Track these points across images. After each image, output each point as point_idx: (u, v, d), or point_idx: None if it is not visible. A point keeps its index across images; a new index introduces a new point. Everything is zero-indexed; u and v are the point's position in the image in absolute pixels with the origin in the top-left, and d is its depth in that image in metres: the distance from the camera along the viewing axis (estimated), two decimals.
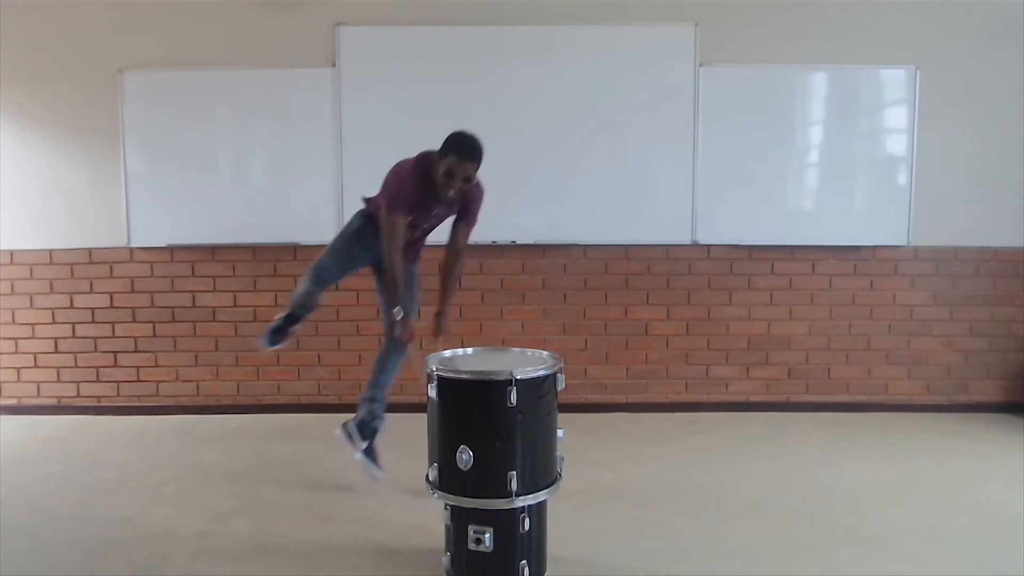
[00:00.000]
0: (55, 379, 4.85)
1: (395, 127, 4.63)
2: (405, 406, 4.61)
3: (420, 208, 3.28)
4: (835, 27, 4.62)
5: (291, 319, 3.54)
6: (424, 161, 3.21)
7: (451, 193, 3.18)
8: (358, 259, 3.46)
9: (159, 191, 4.70)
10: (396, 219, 3.18)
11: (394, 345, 3.44)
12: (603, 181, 4.66)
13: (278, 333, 3.54)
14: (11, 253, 4.79)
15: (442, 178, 3.13)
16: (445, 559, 2.58)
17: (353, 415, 3.53)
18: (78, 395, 4.85)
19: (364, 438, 3.49)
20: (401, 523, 3.09)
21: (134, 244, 4.73)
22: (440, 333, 3.42)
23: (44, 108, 4.69)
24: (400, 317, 3.22)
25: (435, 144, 4.67)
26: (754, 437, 4.30)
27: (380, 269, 3.39)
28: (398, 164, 3.29)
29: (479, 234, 4.67)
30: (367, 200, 3.44)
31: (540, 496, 2.48)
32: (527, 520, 2.45)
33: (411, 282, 3.47)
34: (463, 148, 3.14)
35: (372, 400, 3.50)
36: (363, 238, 3.39)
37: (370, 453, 3.49)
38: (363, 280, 3.67)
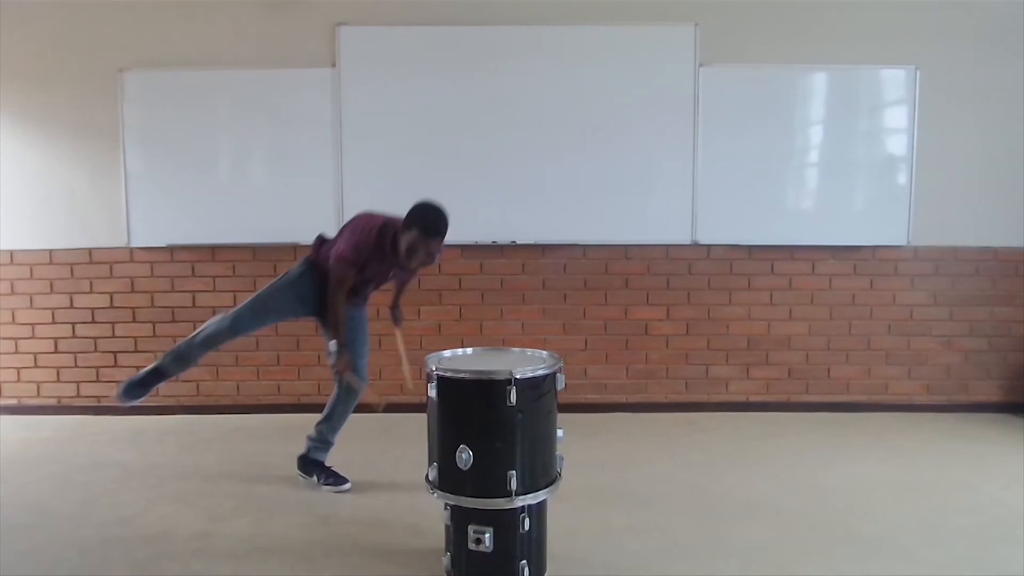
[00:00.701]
0: (55, 379, 4.85)
1: (395, 127, 4.64)
2: (405, 406, 4.62)
3: (375, 269, 3.27)
4: (835, 27, 4.62)
5: (159, 374, 3.35)
6: (388, 230, 3.16)
7: (412, 265, 3.18)
8: (286, 311, 3.41)
9: (159, 191, 4.70)
10: (346, 275, 3.18)
11: (344, 394, 3.45)
12: (603, 181, 4.66)
13: (141, 387, 3.34)
14: (11, 253, 4.79)
15: (404, 251, 3.11)
16: (445, 559, 2.58)
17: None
18: (78, 395, 4.85)
19: (312, 472, 3.50)
20: (401, 523, 3.09)
21: (134, 244, 4.74)
22: (397, 323, 3.54)
23: (44, 108, 4.69)
24: (336, 349, 3.21)
25: (435, 142, 4.69)
26: (754, 437, 4.30)
27: (322, 316, 3.34)
28: (363, 221, 3.24)
29: (479, 234, 4.72)
30: (321, 242, 3.38)
31: (540, 496, 2.48)
32: (527, 520, 2.45)
33: (359, 326, 3.43)
34: (428, 226, 3.08)
35: (313, 439, 3.52)
36: (298, 289, 3.32)
37: (328, 476, 3.48)
38: None
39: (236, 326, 3.31)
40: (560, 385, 2.54)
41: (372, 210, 3.33)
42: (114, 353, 4.83)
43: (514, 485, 2.39)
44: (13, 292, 4.81)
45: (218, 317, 3.36)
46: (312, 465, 3.51)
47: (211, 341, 3.33)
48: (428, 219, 3.08)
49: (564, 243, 4.75)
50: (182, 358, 3.36)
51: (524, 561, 2.46)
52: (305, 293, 3.32)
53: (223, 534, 3.02)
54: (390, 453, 3.95)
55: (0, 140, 4.72)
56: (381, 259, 3.21)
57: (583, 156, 4.65)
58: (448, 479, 2.46)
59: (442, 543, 2.61)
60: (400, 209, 3.08)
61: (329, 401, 3.51)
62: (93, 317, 4.82)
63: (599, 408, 4.77)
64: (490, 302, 4.81)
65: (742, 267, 4.79)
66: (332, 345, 3.22)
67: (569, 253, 4.79)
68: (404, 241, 3.10)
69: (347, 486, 3.44)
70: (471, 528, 2.45)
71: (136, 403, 3.36)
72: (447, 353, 2.73)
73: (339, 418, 3.49)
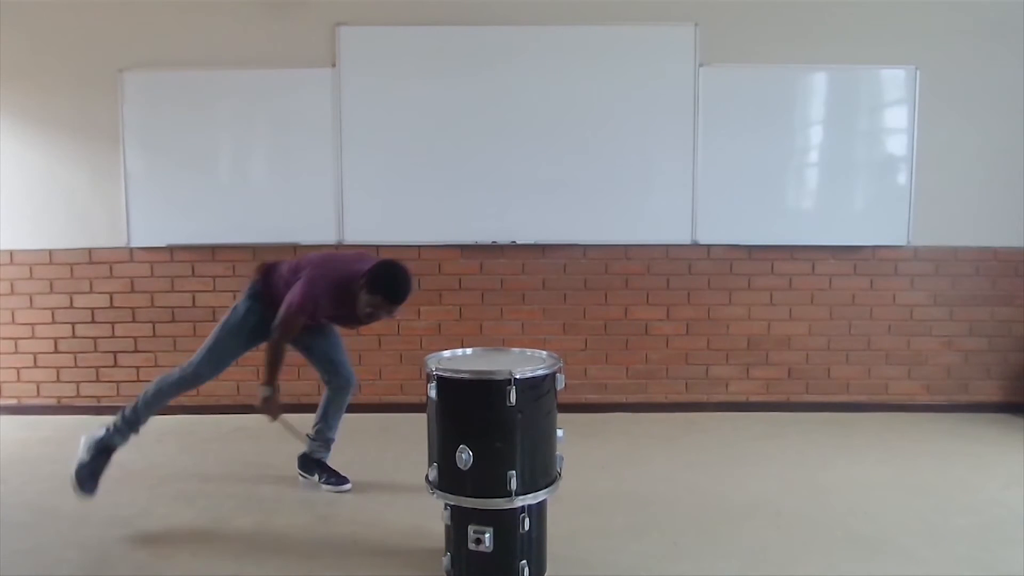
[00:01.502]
0: (55, 379, 4.85)
1: (395, 127, 4.64)
2: (405, 406, 4.62)
3: (328, 318, 3.26)
4: (835, 27, 4.62)
5: (107, 450, 3.16)
6: (347, 286, 3.07)
7: (368, 323, 3.18)
8: (242, 349, 3.28)
9: (159, 191, 4.70)
10: (296, 325, 3.12)
11: (335, 391, 3.45)
12: (603, 181, 4.66)
13: (93, 475, 3.12)
14: (11, 253, 4.79)
15: (364, 308, 3.06)
16: (445, 559, 2.58)
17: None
18: (78, 395, 4.85)
19: (313, 471, 3.49)
20: (401, 523, 3.09)
21: (134, 244, 4.73)
22: None
23: (44, 108, 4.69)
24: (265, 394, 3.16)
25: (434, 142, 4.68)
26: (754, 437, 4.30)
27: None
28: (322, 270, 3.13)
29: (479, 234, 4.72)
30: (268, 269, 3.29)
31: (540, 496, 2.48)
32: (527, 520, 2.45)
33: (326, 328, 3.40)
34: (394, 293, 3.02)
35: (312, 439, 3.50)
36: (248, 324, 3.22)
37: (329, 476, 3.47)
38: None
39: (198, 376, 3.23)
40: (560, 385, 2.54)
41: (333, 255, 3.27)
42: (114, 353, 4.83)
43: (514, 485, 2.39)
44: (13, 292, 4.81)
45: (174, 373, 3.24)
46: (313, 464, 3.51)
47: (165, 395, 3.22)
48: (395, 287, 3.02)
49: (564, 243, 4.75)
50: (130, 424, 3.21)
51: (524, 561, 2.46)
52: (255, 325, 3.22)
53: (223, 534, 3.02)
54: (390, 453, 3.95)
55: (0, 140, 4.71)
56: (335, 313, 3.18)
57: (583, 156, 4.65)
58: (448, 479, 2.46)
59: (442, 543, 2.61)
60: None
61: (322, 399, 3.50)
62: (93, 317, 4.82)
63: (599, 408, 4.77)
64: (490, 302, 4.81)
65: (742, 267, 4.79)
66: (262, 390, 3.15)
67: (569, 253, 4.79)
68: (366, 302, 3.04)
69: (347, 486, 3.44)
70: (471, 528, 2.45)
71: (95, 493, 3.12)
72: (446, 353, 2.73)
73: (335, 415, 3.48)
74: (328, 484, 3.45)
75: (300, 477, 3.54)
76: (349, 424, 3.56)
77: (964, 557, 2.82)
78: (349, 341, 4.71)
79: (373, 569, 2.74)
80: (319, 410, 3.49)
